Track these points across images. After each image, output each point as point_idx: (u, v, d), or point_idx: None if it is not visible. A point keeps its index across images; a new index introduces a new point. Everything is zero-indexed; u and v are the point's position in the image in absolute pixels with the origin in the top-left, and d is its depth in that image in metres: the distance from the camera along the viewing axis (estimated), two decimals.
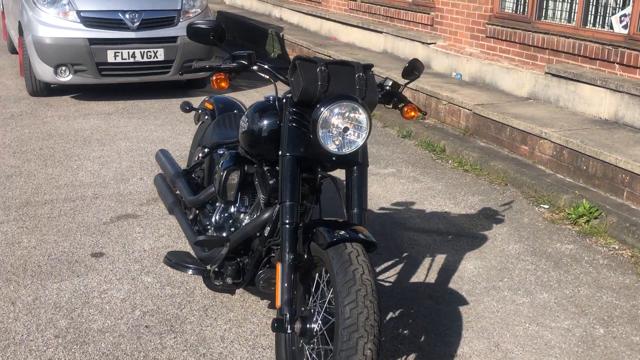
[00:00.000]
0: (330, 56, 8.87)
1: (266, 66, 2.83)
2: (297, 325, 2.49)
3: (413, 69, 3.00)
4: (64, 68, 7.26)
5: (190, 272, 3.02)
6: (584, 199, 4.52)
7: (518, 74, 6.52)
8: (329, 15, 10.37)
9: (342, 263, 2.33)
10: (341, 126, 2.56)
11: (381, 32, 8.93)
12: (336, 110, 2.54)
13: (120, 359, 2.95)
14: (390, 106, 3.06)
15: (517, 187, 5.12)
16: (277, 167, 2.78)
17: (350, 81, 2.67)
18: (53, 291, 3.48)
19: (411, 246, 4.12)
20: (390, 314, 3.34)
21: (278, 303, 2.51)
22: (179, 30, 7.57)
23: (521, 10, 7.01)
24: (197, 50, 7.59)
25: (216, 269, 3.05)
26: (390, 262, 3.89)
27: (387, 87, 2.95)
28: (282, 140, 2.68)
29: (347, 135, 2.58)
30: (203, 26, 2.80)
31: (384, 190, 5.06)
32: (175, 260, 3.06)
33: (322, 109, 2.52)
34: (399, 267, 3.85)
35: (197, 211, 3.53)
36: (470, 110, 6.15)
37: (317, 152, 2.64)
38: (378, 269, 3.80)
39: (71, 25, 7.26)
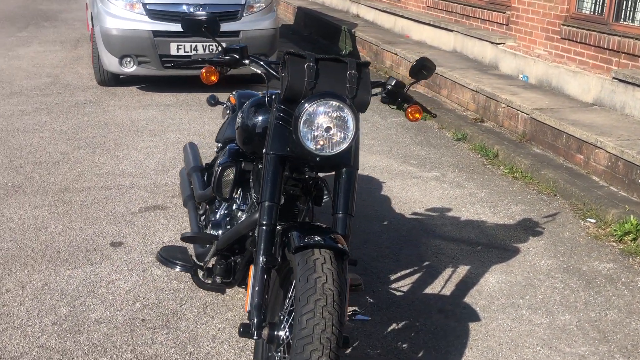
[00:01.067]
0: (396, 54, 8.69)
1: (259, 61, 2.74)
2: (265, 332, 2.38)
3: (421, 68, 2.84)
4: (128, 59, 7.43)
5: (177, 268, 2.97)
6: (632, 215, 4.18)
7: (584, 78, 6.14)
8: (403, 13, 10.16)
9: (305, 270, 2.21)
10: (324, 125, 2.43)
11: (452, 31, 8.66)
12: (320, 109, 2.42)
13: (108, 351, 2.93)
14: (395, 107, 2.90)
15: (565, 198, 4.81)
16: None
17: (341, 78, 2.53)
18: (64, 278, 3.52)
19: (435, 255, 3.93)
20: (393, 326, 3.18)
21: (247, 307, 2.41)
22: (241, 25, 7.61)
23: (598, 11, 6.59)
24: (259, 45, 7.59)
25: (209, 267, 2.99)
26: (407, 271, 3.72)
27: (389, 87, 2.80)
28: (267, 138, 2.58)
29: (331, 135, 2.44)
30: (197, 18, 2.74)
31: (422, 195, 4.87)
32: (166, 255, 3.02)
33: (305, 106, 2.41)
34: (416, 276, 3.67)
35: (207, 206, 3.48)
36: (528, 114, 5.83)
37: (301, 152, 2.52)
38: (393, 277, 3.64)
39: (137, 17, 7.42)
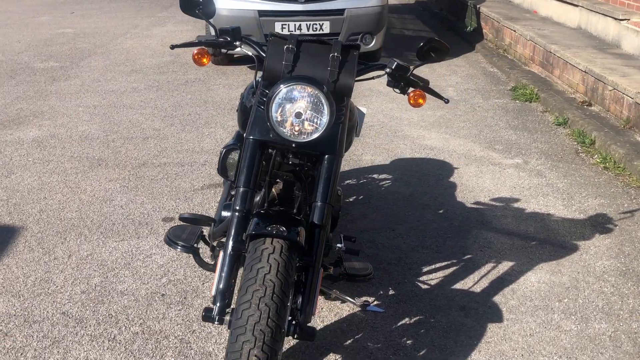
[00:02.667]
0: (514, 31, 8.22)
1: (250, 43, 2.70)
2: (227, 318, 2.37)
3: (430, 50, 2.66)
4: None
5: (178, 249, 3.01)
6: None
7: None
8: None
9: (252, 259, 2.17)
10: (294, 111, 2.36)
11: (577, 6, 8.03)
12: (292, 93, 2.35)
13: (120, 322, 3.06)
14: (399, 91, 2.75)
15: None
16: (269, 150, 2.65)
17: (323, 61, 2.44)
18: (108, 249, 3.71)
19: (480, 248, 3.70)
20: (405, 320, 3.05)
21: (212, 291, 2.41)
22: (346, 3, 7.53)
23: None
24: (364, 23, 7.51)
25: (213, 246, 3.02)
26: (444, 263, 3.54)
27: (388, 70, 2.65)
28: (248, 122, 2.55)
29: (302, 121, 2.37)
30: None
31: (493, 183, 4.59)
32: (171, 235, 3.08)
33: (276, 90, 2.35)
34: (451, 270, 3.48)
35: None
36: (632, 98, 5.29)
37: (278, 138, 2.46)
38: (426, 269, 3.48)
39: None
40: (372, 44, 7.72)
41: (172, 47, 2.73)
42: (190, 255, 2.92)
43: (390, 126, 5.85)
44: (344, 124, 2.53)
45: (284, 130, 2.41)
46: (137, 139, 5.54)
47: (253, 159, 2.49)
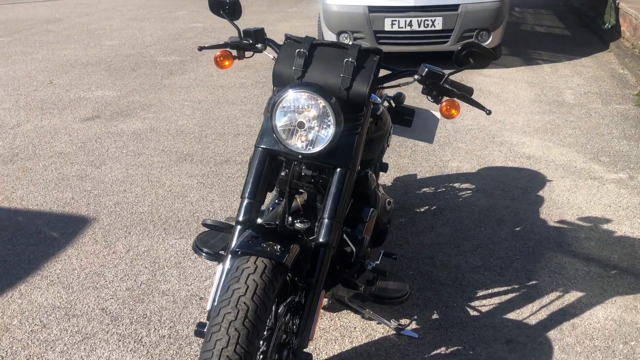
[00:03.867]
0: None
1: (273, 46, 2.56)
2: None
3: (468, 55, 2.40)
4: (345, 35, 7.50)
5: (203, 255, 2.93)
6: None
7: None
8: None
9: (231, 278, 2.04)
10: (296, 120, 2.20)
11: None
12: (295, 101, 2.19)
13: (151, 323, 3.06)
14: (432, 100, 2.51)
15: None
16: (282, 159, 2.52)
17: (335, 67, 2.26)
18: (164, 247, 3.74)
19: (550, 273, 3.34)
20: (441, 349, 2.80)
21: (208, 306, 2.31)
22: None
23: None
24: (480, 19, 7.13)
25: None
26: (504, 288, 3.23)
27: (417, 77, 2.41)
28: (260, 131, 2.42)
29: (306, 131, 2.21)
30: None
31: (586, 200, 4.16)
32: (199, 241, 3.00)
33: (280, 97, 2.20)
34: (510, 296, 3.17)
35: None
36: None
37: (285, 148, 2.32)
38: (482, 293, 3.19)
39: None
40: (489, 42, 7.30)
41: (200, 48, 2.65)
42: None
43: (490, 130, 5.48)
44: (361, 135, 2.33)
45: (288, 140, 2.25)
46: (228, 135, 5.57)
47: (260, 169, 2.36)
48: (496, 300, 3.13)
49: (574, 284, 3.23)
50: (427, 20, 7.20)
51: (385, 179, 4.56)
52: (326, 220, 2.28)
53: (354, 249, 2.79)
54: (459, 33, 7.18)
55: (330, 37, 7.59)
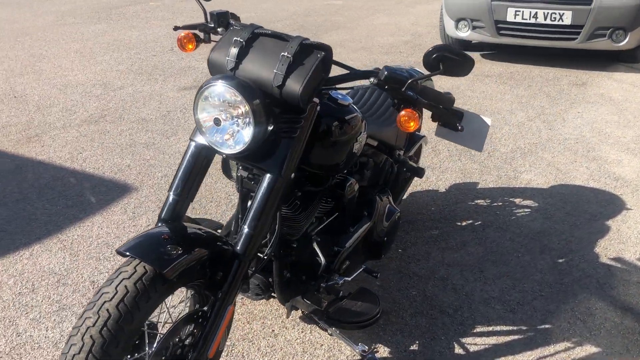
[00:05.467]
0: None
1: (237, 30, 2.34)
2: None
3: (439, 59, 2.07)
4: (464, 22, 7.04)
5: None
6: None
7: None
8: None
9: (107, 280, 1.90)
10: (212, 116, 2.01)
11: None
12: (213, 95, 1.99)
13: None
14: (394, 107, 2.20)
15: None
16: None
17: (272, 61, 2.02)
18: None
19: (572, 319, 2.89)
20: None
21: None
22: None
23: None
24: (616, 17, 6.38)
25: None
26: (509, 327, 2.83)
27: (373, 80, 2.11)
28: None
29: (224, 129, 2.01)
30: None
31: None
32: None
33: (201, 88, 2.02)
34: (511, 338, 2.77)
35: None
36: None
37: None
38: (481, 328, 2.81)
39: None
40: (625, 42, 6.51)
41: (175, 28, 2.49)
42: None
43: (588, 143, 4.88)
44: (298, 140, 2.07)
45: (210, 136, 2.06)
46: None
47: (191, 164, 2.18)
48: (492, 340, 2.74)
49: (594, 337, 2.75)
50: (555, 14, 6.54)
51: (442, 183, 4.19)
52: (245, 230, 2.06)
53: (323, 261, 2.55)
54: (589, 30, 6.46)
55: (449, 23, 7.16)
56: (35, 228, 3.64)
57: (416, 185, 4.17)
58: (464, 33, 7.04)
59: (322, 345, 2.70)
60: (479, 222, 3.71)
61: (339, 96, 2.31)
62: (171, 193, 2.16)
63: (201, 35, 2.44)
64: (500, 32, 6.83)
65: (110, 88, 6.28)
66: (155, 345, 1.96)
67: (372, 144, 2.81)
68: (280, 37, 2.07)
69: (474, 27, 6.95)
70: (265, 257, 2.45)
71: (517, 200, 3.98)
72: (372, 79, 2.12)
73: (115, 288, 1.83)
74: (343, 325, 2.47)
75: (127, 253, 1.87)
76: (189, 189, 2.18)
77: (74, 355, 1.77)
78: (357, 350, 2.58)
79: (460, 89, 6.16)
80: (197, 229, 2.14)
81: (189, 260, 1.93)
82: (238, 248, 2.05)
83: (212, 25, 2.36)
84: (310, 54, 2.02)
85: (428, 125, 4.53)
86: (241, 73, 2.06)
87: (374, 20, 9.46)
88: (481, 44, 7.61)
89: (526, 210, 3.86)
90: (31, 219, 3.75)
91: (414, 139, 3.56)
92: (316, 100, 2.11)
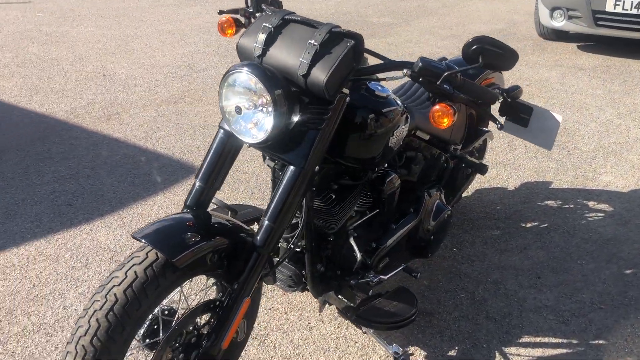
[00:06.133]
0: None
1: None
2: None
3: (478, 51, 1.95)
4: (559, 12, 6.69)
5: None
6: None
7: None
8: None
9: (119, 264, 1.90)
10: (234, 103, 1.97)
11: None
12: (236, 82, 1.96)
13: None
14: (430, 102, 2.08)
15: None
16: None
17: (299, 49, 1.95)
18: None
19: (629, 338, 2.68)
20: None
21: None
22: None
23: None
24: None
25: None
26: (557, 340, 2.66)
27: (407, 72, 2.00)
28: None
29: (245, 117, 1.97)
30: None
31: None
32: None
33: (226, 74, 1.98)
34: (559, 352, 2.60)
35: None
36: None
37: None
38: (528, 339, 2.65)
39: None
40: None
41: (220, 12, 2.46)
42: None
43: None
44: (325, 132, 1.99)
45: (234, 125, 2.02)
46: None
47: (218, 152, 2.15)
48: (537, 352, 2.58)
49: None
50: None
51: (513, 181, 3.99)
52: (265, 222, 2.01)
53: (359, 257, 2.47)
54: None
55: (543, 12, 6.82)
56: (100, 204, 3.75)
57: (484, 182, 3.99)
58: (559, 23, 6.68)
59: (356, 342, 2.63)
60: (545, 225, 3.50)
61: (378, 88, 2.21)
62: (197, 180, 2.14)
63: (242, 19, 2.39)
64: (598, 22, 6.44)
65: (195, 69, 6.38)
66: (167, 332, 1.95)
67: (423, 137, 2.69)
68: (310, 24, 1.99)
69: (570, 17, 6.59)
70: (296, 249, 2.41)
71: (591, 204, 3.73)
72: (405, 70, 2.00)
73: (125, 273, 1.83)
74: (372, 324, 2.39)
75: (140, 238, 1.86)
76: (216, 177, 2.14)
77: (80, 337, 1.78)
78: (390, 351, 2.49)
79: (549, 82, 5.86)
80: (222, 218, 2.12)
81: (203, 249, 1.90)
82: (257, 240, 2.00)
83: (252, 10, 2.31)
84: (339, 43, 1.93)
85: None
86: (268, 60, 2.00)
87: (470, 7, 9.16)
88: (578, 35, 7.21)
89: (599, 214, 3.61)
90: (97, 195, 3.86)
91: (475, 134, 3.40)
92: (346, 91, 2.02)
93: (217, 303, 2.06)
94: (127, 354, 1.82)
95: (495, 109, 3.47)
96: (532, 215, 3.60)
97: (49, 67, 6.44)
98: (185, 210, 2.13)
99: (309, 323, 2.74)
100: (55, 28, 8.07)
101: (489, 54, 1.93)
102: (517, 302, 2.88)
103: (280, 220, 2.00)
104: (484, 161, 3.57)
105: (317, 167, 2.03)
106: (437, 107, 2.01)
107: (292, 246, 2.20)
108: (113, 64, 6.59)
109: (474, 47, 1.94)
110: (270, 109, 1.91)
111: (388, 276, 2.55)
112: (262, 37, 2.01)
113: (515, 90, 3.28)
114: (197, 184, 2.14)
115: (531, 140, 3.40)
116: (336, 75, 1.91)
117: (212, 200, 2.45)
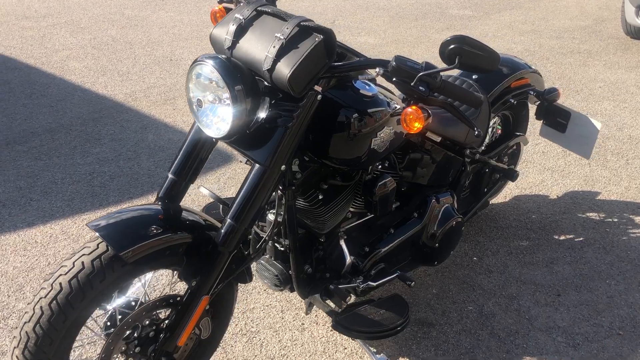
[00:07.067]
0: None
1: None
2: None
3: (455, 52, 1.82)
4: None
5: None
6: None
7: None
8: None
9: (71, 253, 1.90)
10: (195, 96, 1.93)
11: None
12: (199, 75, 1.91)
13: None
14: (405, 105, 1.97)
15: None
16: None
17: (264, 42, 1.88)
18: None
19: None
20: None
21: None
22: None
23: None
24: None
25: None
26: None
27: (380, 71, 1.89)
28: None
29: (209, 111, 1.92)
30: None
31: None
32: (205, 211, 2.80)
33: (191, 66, 1.94)
34: None
35: None
36: None
37: None
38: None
39: None
40: None
41: (220, 1, 2.41)
42: None
43: None
44: (292, 130, 1.91)
45: (200, 119, 1.97)
46: None
47: (192, 145, 2.11)
48: None
49: None
50: None
51: (558, 189, 3.75)
52: (227, 221, 1.95)
53: (348, 261, 2.38)
54: None
55: (629, 10, 6.40)
56: (132, 187, 3.80)
57: (525, 188, 3.77)
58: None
59: (345, 348, 2.54)
60: (581, 239, 3.27)
61: (366, 87, 2.10)
62: (169, 173, 2.10)
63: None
64: None
65: None
66: (118, 325, 1.93)
67: (434, 139, 2.54)
68: (281, 16, 1.90)
69: None
70: (281, 249, 2.34)
71: (638, 219, 3.45)
72: (378, 70, 1.89)
73: (73, 263, 1.82)
74: (351, 333, 2.29)
75: (93, 228, 1.85)
76: (189, 171, 2.11)
77: (24, 323, 1.79)
78: (375, 359, 2.39)
79: (625, 84, 5.47)
80: (193, 212, 2.08)
81: (158, 244, 1.86)
82: (218, 238, 1.94)
83: (241, 0, 2.24)
84: (307, 38, 1.84)
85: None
86: (237, 53, 1.93)
87: (559, 1, 8.72)
88: None
89: None
90: (133, 178, 3.92)
91: (505, 137, 3.21)
92: (318, 88, 1.92)
93: (178, 299, 2.02)
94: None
95: (531, 113, 3.26)
96: (568, 227, 3.37)
97: (122, 49, 6.62)
98: (156, 202, 2.10)
99: (303, 324, 2.67)
100: (137, 12, 8.30)
101: (466, 55, 1.79)
102: (528, 319, 2.69)
103: (243, 219, 1.94)
104: (518, 167, 3.36)
105: (283, 166, 1.95)
106: (409, 109, 1.88)
107: (263, 246, 2.14)
108: (183, 49, 6.69)
109: (452, 46, 1.80)
110: (229, 101, 1.84)
111: (378, 283, 2.44)
112: (232, 28, 1.94)
113: (552, 93, 3.07)
114: (170, 176, 2.11)
115: (569, 147, 3.18)
116: (302, 71, 1.82)
117: (206, 193, 2.42)
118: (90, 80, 5.68)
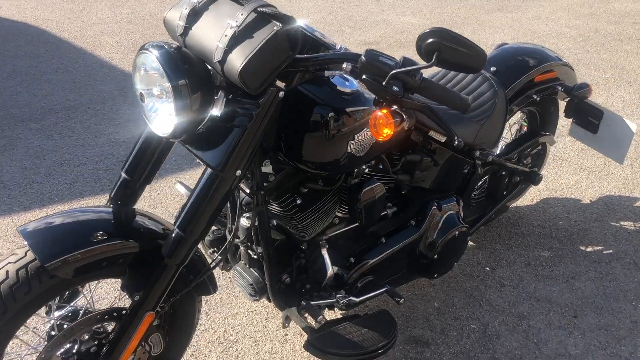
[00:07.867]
0: None
1: None
2: None
3: (436, 48, 1.56)
4: None
5: None
6: None
7: None
8: None
9: None
10: (139, 90, 1.71)
11: None
12: (140, 62, 1.69)
13: None
14: (376, 106, 1.71)
15: None
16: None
17: (218, 30, 1.65)
18: None
19: None
20: None
21: None
22: None
23: None
24: None
25: None
26: None
27: (347, 66, 1.64)
28: None
29: (153, 106, 1.71)
30: None
31: None
32: None
33: (135, 58, 1.73)
34: None
35: None
36: None
37: None
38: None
39: None
40: None
41: None
42: None
43: None
44: (250, 130, 1.68)
45: (147, 116, 1.76)
46: None
47: (142, 142, 1.91)
48: None
49: None
50: None
51: (592, 193, 3.42)
52: (175, 231, 1.74)
53: (330, 272, 2.15)
54: None
55: None
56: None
57: (556, 189, 3.45)
58: None
59: None
60: (610, 251, 2.94)
61: (345, 82, 1.84)
62: (122, 172, 1.91)
63: None
64: None
65: None
66: (53, 339, 1.76)
67: (438, 139, 2.27)
68: (238, 1, 1.66)
69: None
70: (254, 256, 2.13)
71: None
72: (345, 65, 1.63)
73: (3, 266, 1.65)
74: (324, 354, 2.06)
75: (21, 233, 1.67)
76: (143, 171, 1.90)
77: None
78: None
79: None
80: (148, 217, 1.88)
81: (93, 254, 1.67)
82: (164, 249, 1.74)
83: None
84: (264, 26, 1.59)
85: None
86: (189, 41, 1.71)
87: None
88: None
89: None
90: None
91: (527, 136, 2.90)
92: (280, 84, 1.68)
93: (123, 312, 1.83)
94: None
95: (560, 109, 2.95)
96: (598, 237, 3.04)
97: (157, 25, 6.48)
98: (108, 204, 1.91)
99: (286, 334, 2.46)
100: None
101: (445, 52, 1.52)
102: (536, 344, 2.41)
103: (191, 230, 1.73)
104: (544, 169, 3.04)
105: (239, 172, 1.72)
106: (378, 113, 1.61)
107: (219, 256, 1.92)
108: None
109: (429, 40, 1.54)
110: (171, 98, 1.62)
111: (362, 298, 2.20)
112: (185, 12, 1.71)
113: (582, 90, 2.75)
114: (122, 176, 1.91)
115: (600, 149, 2.86)
116: (257, 65, 1.58)
117: (183, 191, 2.24)
118: (119, 57, 5.55)
